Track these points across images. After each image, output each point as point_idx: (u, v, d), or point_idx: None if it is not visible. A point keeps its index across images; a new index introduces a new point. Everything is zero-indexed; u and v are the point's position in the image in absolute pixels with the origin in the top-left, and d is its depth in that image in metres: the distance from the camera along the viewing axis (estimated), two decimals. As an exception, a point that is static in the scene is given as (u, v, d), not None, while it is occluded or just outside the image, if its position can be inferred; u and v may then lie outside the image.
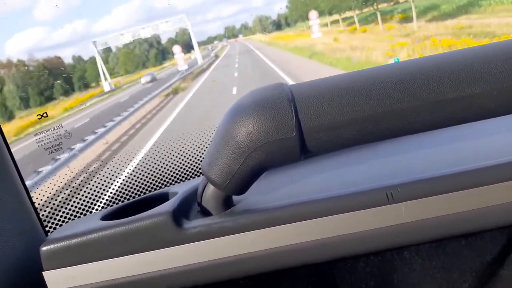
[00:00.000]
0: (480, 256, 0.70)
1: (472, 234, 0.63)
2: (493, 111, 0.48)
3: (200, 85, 15.17)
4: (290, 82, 0.61)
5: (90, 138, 6.45)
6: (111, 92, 22.20)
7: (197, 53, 27.85)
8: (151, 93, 13.02)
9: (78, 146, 5.29)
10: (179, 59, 20.36)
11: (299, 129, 0.47)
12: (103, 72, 24.88)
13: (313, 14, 17.07)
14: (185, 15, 25.30)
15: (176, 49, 20.30)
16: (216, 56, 33.33)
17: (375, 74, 0.49)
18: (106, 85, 25.28)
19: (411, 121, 0.48)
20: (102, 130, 6.76)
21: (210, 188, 0.55)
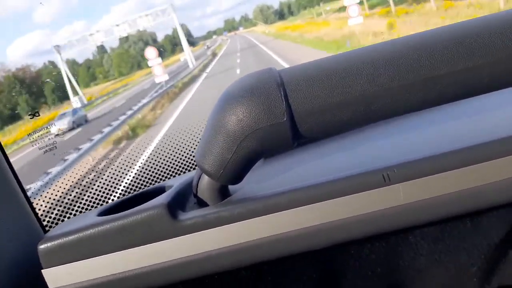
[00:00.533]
0: (487, 238, 0.71)
1: (476, 213, 0.64)
2: (487, 85, 0.51)
3: (180, 113, 9.10)
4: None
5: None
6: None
7: (187, 54, 23.26)
8: (99, 132, 8.54)
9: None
10: (156, 68, 14.17)
11: (289, 113, 0.50)
12: (71, 83, 19.00)
13: (348, -12, 11.44)
14: (170, 5, 19.52)
15: (150, 53, 13.97)
16: (214, 55, 31.34)
17: (364, 54, 0.52)
18: (75, 101, 19.55)
19: (404, 99, 0.50)
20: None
21: (205, 179, 0.58)
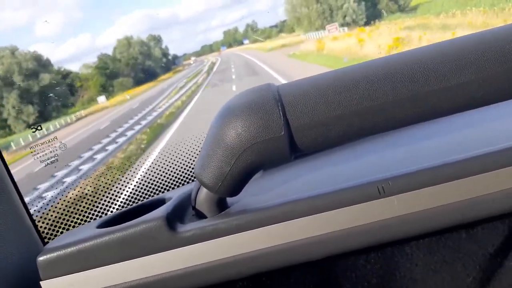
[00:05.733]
0: (483, 248, 0.74)
1: (471, 224, 0.68)
2: (480, 100, 0.53)
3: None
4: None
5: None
6: None
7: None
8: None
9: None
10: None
11: (287, 128, 0.52)
12: None
13: None
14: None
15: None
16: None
17: (360, 70, 0.54)
18: None
19: (398, 113, 0.53)
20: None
21: (203, 191, 0.60)
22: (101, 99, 10.58)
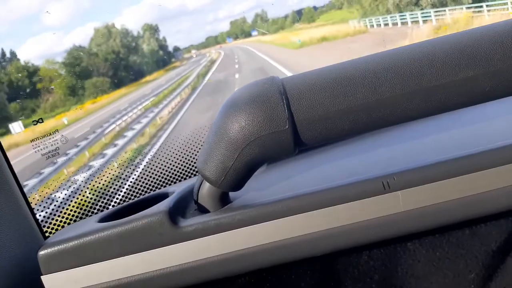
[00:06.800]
0: (485, 245, 0.74)
1: (474, 220, 0.67)
2: (487, 94, 0.53)
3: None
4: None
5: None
6: None
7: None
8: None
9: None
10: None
11: (291, 121, 0.52)
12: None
13: None
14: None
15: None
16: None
17: (366, 63, 0.54)
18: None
19: (404, 108, 0.52)
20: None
21: (206, 185, 0.60)
22: (16, 127, 5.79)
